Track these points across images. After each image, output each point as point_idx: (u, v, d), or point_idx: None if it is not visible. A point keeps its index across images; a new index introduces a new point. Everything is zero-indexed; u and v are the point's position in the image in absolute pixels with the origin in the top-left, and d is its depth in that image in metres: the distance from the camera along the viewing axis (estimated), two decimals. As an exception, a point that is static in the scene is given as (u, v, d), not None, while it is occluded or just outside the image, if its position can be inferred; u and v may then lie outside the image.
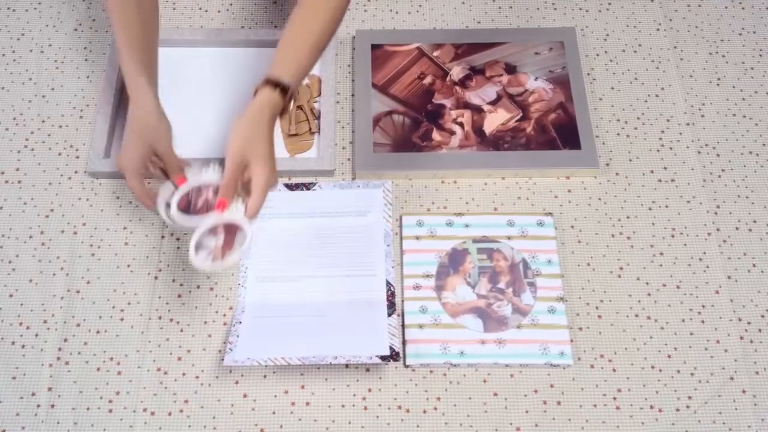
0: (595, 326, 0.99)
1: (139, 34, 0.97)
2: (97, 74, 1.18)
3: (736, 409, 0.94)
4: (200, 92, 1.16)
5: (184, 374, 0.96)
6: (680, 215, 1.07)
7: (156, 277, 1.02)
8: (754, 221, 1.06)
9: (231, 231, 0.91)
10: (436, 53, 1.18)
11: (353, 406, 0.94)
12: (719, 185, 1.09)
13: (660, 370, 0.96)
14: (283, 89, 0.91)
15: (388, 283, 1.00)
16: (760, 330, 0.99)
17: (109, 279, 1.02)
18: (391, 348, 0.93)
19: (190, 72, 1.18)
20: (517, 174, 1.09)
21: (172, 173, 0.97)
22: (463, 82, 1.15)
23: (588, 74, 1.18)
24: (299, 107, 1.13)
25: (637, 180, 1.09)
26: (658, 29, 1.23)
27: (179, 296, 1.01)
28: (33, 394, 0.95)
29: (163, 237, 1.05)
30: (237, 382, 0.95)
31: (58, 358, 0.97)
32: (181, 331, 0.99)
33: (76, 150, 1.11)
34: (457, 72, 1.16)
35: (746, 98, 1.16)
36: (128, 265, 1.03)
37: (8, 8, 1.24)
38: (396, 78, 1.15)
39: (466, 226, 1.05)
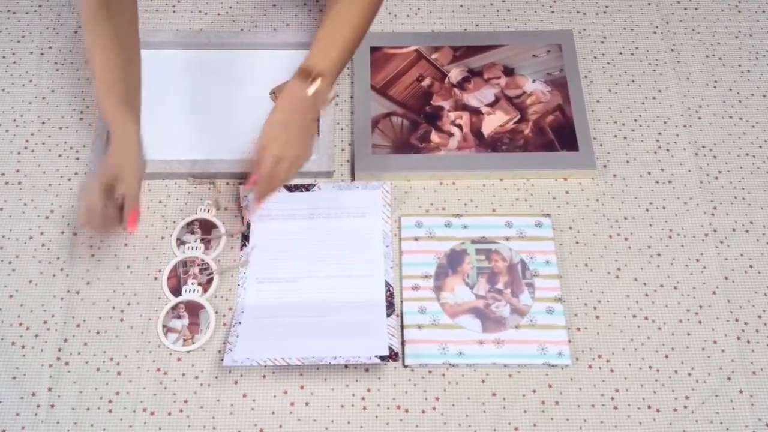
0: (592, 326, 0.99)
1: (121, 75, 0.97)
2: (97, 76, 1.18)
3: (733, 409, 0.94)
4: (200, 95, 1.16)
5: (183, 374, 0.96)
6: (677, 216, 1.07)
7: (155, 278, 1.02)
8: (751, 222, 1.07)
9: (193, 311, 0.98)
10: (434, 56, 1.18)
11: (352, 406, 0.94)
12: (716, 187, 1.10)
13: (657, 371, 0.97)
14: (313, 78, 0.94)
15: (387, 284, 1.01)
16: (757, 330, 0.99)
17: (109, 280, 1.02)
18: (390, 348, 0.94)
19: (190, 74, 1.18)
20: (515, 175, 1.10)
21: (128, 207, 0.95)
22: (462, 85, 1.16)
23: (585, 77, 1.19)
24: None
25: (635, 181, 1.10)
26: (654, 32, 1.23)
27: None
28: (33, 395, 0.95)
29: (162, 238, 1.05)
30: (236, 383, 0.96)
31: (58, 359, 0.97)
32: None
33: (76, 152, 1.12)
34: (455, 74, 1.17)
35: (743, 100, 1.17)
36: (128, 266, 1.03)
37: (8, 10, 1.25)
38: (395, 80, 1.16)
39: (465, 227, 1.05)
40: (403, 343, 0.97)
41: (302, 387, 0.95)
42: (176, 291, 1.01)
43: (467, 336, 0.97)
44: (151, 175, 1.08)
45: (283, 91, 0.97)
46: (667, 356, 0.97)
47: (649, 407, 0.94)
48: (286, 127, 0.95)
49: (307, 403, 0.94)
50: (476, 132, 1.12)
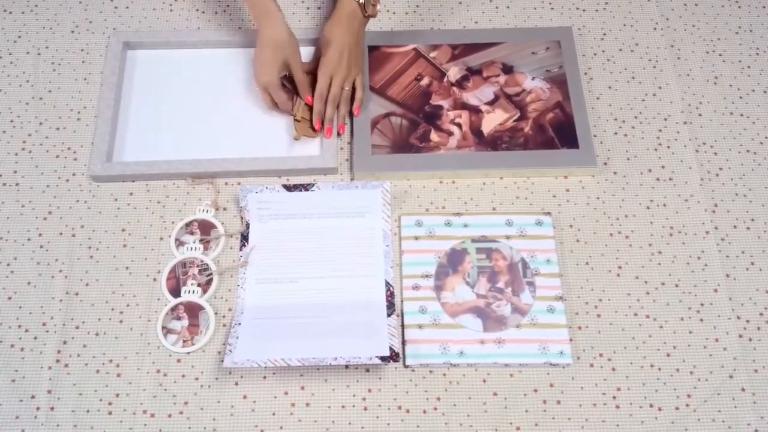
0: (594, 325, 0.99)
1: None
2: (94, 76, 1.17)
3: (735, 407, 0.94)
4: (198, 94, 1.16)
5: (183, 376, 0.96)
6: (678, 214, 1.07)
7: (154, 279, 1.02)
8: (752, 219, 1.07)
9: (193, 312, 0.98)
10: (433, 54, 1.18)
11: (353, 406, 0.94)
12: (717, 184, 1.09)
13: (659, 369, 0.96)
14: None
15: (388, 284, 1.00)
16: (758, 328, 0.99)
17: (108, 281, 1.02)
18: (390, 348, 0.93)
19: (188, 74, 1.18)
20: (515, 174, 1.09)
21: (302, 89, 1.09)
22: (461, 83, 1.15)
23: (585, 73, 1.18)
24: None
25: (635, 179, 1.10)
26: (654, 28, 1.23)
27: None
28: (32, 397, 0.95)
29: (161, 239, 1.05)
30: (237, 384, 0.95)
31: (58, 361, 0.97)
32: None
33: (74, 152, 1.11)
34: (454, 73, 1.16)
35: (743, 96, 1.17)
36: (127, 267, 1.03)
37: (4, 10, 1.24)
38: (393, 80, 1.15)
39: (465, 226, 1.05)
40: (403, 343, 0.97)
41: (303, 388, 0.95)
42: (175, 292, 1.01)
43: (468, 335, 0.97)
44: (150, 176, 1.08)
45: (333, 15, 1.10)
46: (668, 354, 0.97)
47: (651, 406, 0.94)
48: (339, 50, 1.08)
49: (307, 404, 0.94)
50: (476, 131, 1.11)
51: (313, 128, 1.10)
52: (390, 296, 1.00)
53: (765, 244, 1.05)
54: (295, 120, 1.11)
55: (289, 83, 1.12)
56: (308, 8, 1.24)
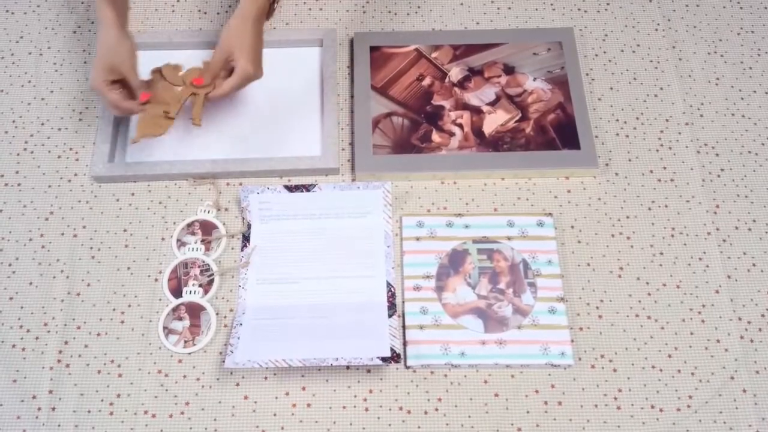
0: (595, 326, 0.99)
1: None
2: (96, 77, 1.18)
3: (736, 408, 0.94)
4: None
5: (184, 376, 0.96)
6: (680, 215, 1.07)
7: (156, 279, 1.02)
8: (754, 220, 1.06)
9: (194, 312, 0.98)
10: (434, 54, 1.18)
11: (354, 407, 0.94)
12: (718, 185, 1.09)
13: (660, 370, 0.96)
14: None
15: (389, 284, 1.00)
16: (760, 329, 0.99)
17: (110, 281, 1.02)
18: (391, 349, 0.93)
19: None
20: (516, 174, 1.09)
21: (136, 91, 1.03)
22: (462, 84, 1.15)
23: (587, 74, 1.18)
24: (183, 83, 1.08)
25: (637, 180, 1.10)
26: (656, 29, 1.23)
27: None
28: (34, 397, 0.95)
29: (162, 239, 1.05)
30: (238, 384, 0.95)
31: (59, 361, 0.97)
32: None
33: (76, 153, 1.11)
34: (455, 73, 1.16)
35: (745, 98, 1.17)
36: (128, 268, 1.03)
37: (7, 11, 1.24)
38: (395, 80, 1.15)
39: (466, 226, 1.05)
40: (405, 343, 0.97)
41: (304, 388, 0.95)
42: (177, 292, 1.01)
43: (469, 336, 0.97)
44: (152, 177, 1.08)
45: (244, 14, 1.02)
46: (670, 356, 0.97)
47: (653, 407, 0.94)
48: (258, 55, 1.03)
49: (308, 405, 0.94)
50: (477, 131, 1.11)
51: (159, 125, 1.04)
52: (391, 297, 1.00)
53: (766, 245, 1.05)
54: (142, 118, 1.04)
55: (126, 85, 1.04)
56: (310, 9, 1.25)
